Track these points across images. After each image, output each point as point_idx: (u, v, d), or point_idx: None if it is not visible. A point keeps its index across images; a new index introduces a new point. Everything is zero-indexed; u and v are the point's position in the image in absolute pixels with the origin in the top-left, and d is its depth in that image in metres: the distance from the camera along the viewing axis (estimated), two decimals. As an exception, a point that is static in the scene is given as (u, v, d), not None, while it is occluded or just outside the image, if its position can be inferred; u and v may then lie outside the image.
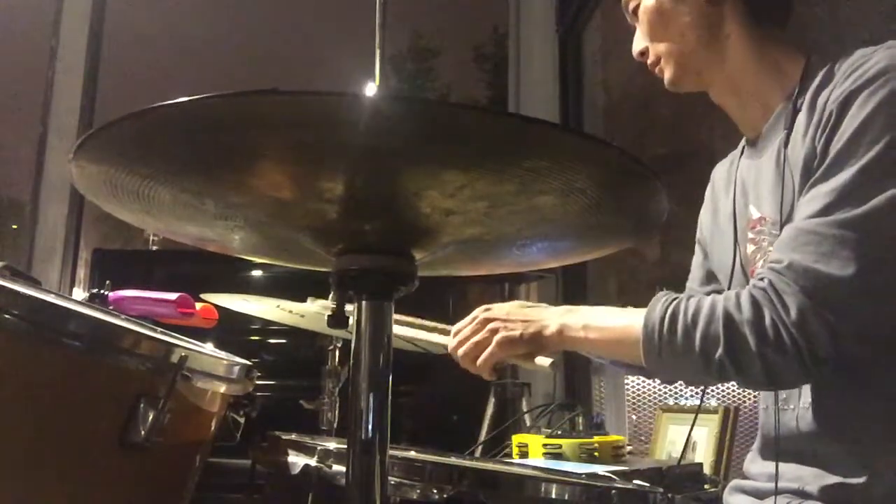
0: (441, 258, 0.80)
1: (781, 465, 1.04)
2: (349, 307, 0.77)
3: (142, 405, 0.96)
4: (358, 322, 0.74)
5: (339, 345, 1.75)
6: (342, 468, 0.94)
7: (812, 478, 1.01)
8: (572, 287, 3.36)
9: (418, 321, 1.36)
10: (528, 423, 2.29)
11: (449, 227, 0.72)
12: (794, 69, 1.12)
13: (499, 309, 1.20)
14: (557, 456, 1.53)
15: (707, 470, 1.84)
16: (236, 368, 1.15)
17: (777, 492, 1.04)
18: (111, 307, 1.41)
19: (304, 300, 1.68)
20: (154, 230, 1.59)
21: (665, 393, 2.31)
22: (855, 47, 1.05)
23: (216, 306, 1.54)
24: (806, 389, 1.06)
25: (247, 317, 1.75)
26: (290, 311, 1.66)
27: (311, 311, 1.63)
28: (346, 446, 0.74)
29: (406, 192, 0.67)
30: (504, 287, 3.04)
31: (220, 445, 1.19)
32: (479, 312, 1.21)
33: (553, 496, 0.92)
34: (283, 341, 3.20)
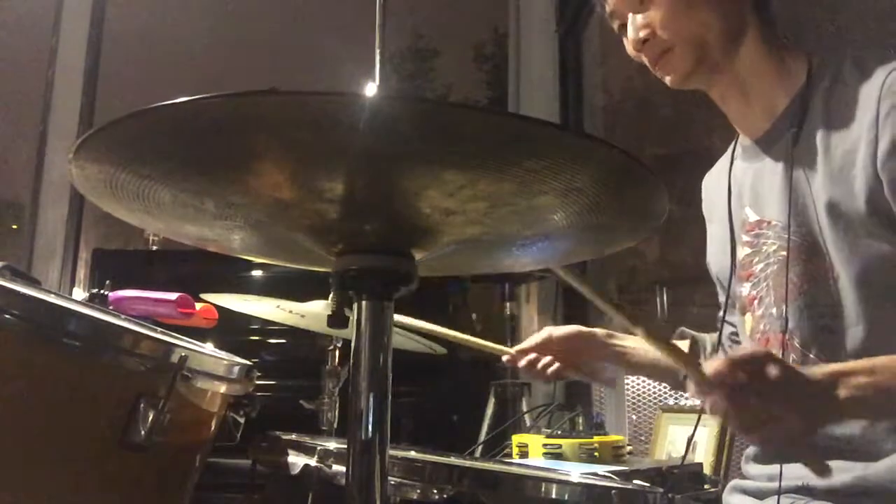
0: (441, 258, 0.80)
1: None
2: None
3: (142, 405, 0.96)
4: (358, 322, 0.74)
5: (339, 345, 1.75)
6: (342, 468, 0.94)
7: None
8: (572, 287, 3.36)
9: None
10: (528, 423, 2.28)
11: (449, 227, 0.72)
12: (799, 69, 1.12)
13: (776, 385, 0.89)
14: (557, 456, 1.53)
15: (707, 470, 1.84)
16: (236, 368, 1.15)
17: (780, 491, 1.03)
18: (111, 307, 1.41)
19: (304, 300, 1.68)
20: (154, 230, 1.59)
21: (665, 393, 2.31)
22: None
23: (216, 306, 1.54)
24: None
25: (247, 317, 1.75)
26: (290, 311, 1.66)
27: (313, 311, 1.63)
28: (346, 446, 0.74)
29: (406, 192, 0.67)
30: (504, 287, 3.04)
31: (220, 445, 1.19)
32: (767, 356, 0.91)
33: (553, 496, 0.92)
34: (283, 341, 3.20)
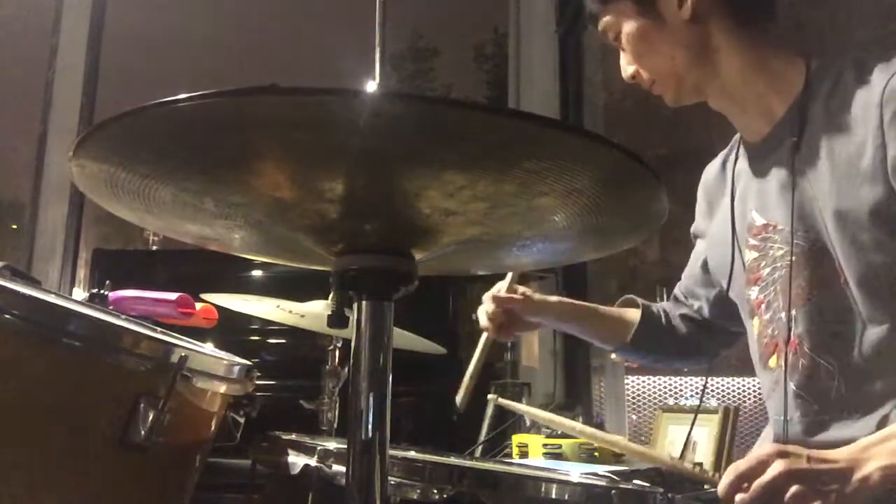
0: (441, 258, 0.80)
1: None
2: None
3: (142, 405, 0.95)
4: (358, 322, 0.74)
5: (339, 345, 1.75)
6: (342, 468, 0.94)
7: None
8: (572, 287, 3.36)
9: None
10: (528, 423, 2.29)
11: (449, 228, 0.72)
12: (795, 74, 1.11)
13: (796, 454, 0.90)
14: (557, 456, 1.53)
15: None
16: (236, 368, 1.15)
17: None
18: (111, 307, 1.41)
19: (304, 300, 1.68)
20: (154, 229, 1.59)
21: (665, 393, 2.31)
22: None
23: (216, 306, 1.54)
24: (820, 404, 1.06)
25: (247, 317, 1.75)
26: (290, 311, 1.66)
27: (313, 312, 1.63)
28: (346, 446, 0.74)
29: (406, 193, 0.66)
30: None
31: (220, 445, 1.18)
32: (770, 456, 0.89)
33: (553, 496, 0.92)
34: (283, 341, 3.20)
